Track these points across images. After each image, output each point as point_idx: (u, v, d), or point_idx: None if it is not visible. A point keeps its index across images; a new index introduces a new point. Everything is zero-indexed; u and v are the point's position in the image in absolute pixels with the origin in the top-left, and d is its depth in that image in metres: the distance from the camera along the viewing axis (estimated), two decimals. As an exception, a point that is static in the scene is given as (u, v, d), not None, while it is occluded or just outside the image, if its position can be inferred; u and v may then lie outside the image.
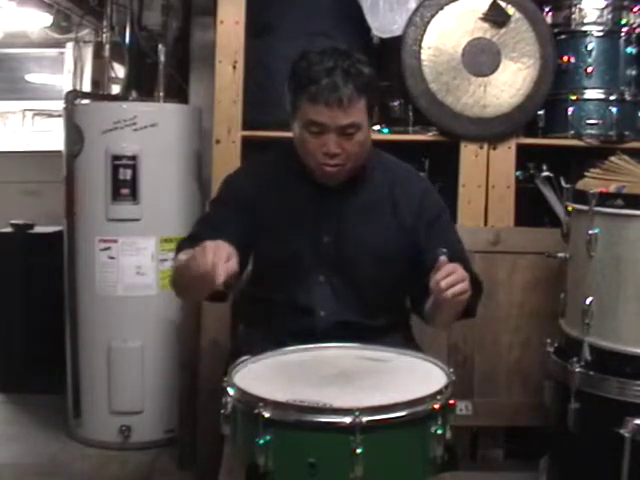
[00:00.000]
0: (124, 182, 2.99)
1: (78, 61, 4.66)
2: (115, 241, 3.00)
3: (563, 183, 2.66)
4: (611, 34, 2.83)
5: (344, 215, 1.93)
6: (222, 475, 1.80)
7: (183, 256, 1.79)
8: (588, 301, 2.22)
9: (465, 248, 2.03)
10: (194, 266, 1.59)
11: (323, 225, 1.93)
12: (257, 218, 1.93)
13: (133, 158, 2.99)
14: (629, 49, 2.84)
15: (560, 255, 2.41)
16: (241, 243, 1.75)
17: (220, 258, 1.55)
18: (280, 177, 1.99)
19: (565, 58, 2.85)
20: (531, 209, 2.98)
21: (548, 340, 2.47)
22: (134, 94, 3.22)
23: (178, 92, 3.49)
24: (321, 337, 1.84)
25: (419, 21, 2.80)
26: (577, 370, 2.23)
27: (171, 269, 1.92)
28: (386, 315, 1.97)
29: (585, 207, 2.23)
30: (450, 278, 1.65)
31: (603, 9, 2.83)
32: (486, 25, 2.81)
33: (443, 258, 1.67)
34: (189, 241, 1.86)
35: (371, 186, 1.96)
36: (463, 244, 2.03)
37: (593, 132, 2.85)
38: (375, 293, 1.94)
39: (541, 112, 2.86)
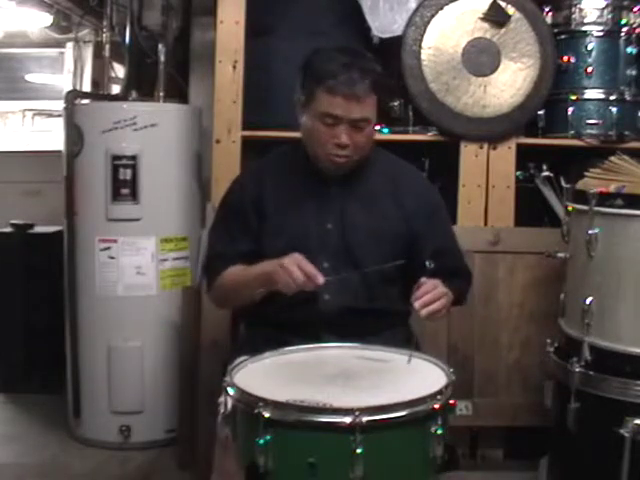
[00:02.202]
0: (124, 182, 2.99)
1: (78, 61, 4.66)
2: (115, 241, 3.00)
3: (563, 183, 2.65)
4: (611, 34, 2.83)
5: (346, 203, 2.00)
6: (215, 476, 1.81)
7: (244, 272, 1.94)
8: (588, 301, 2.22)
9: (458, 242, 2.13)
10: (281, 280, 1.77)
11: (326, 213, 1.99)
12: (264, 213, 2.00)
13: (133, 158, 2.99)
14: (629, 49, 2.84)
15: (560, 255, 2.41)
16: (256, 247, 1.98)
17: (306, 268, 1.75)
18: (283, 171, 2.06)
19: (565, 58, 2.85)
20: (531, 209, 2.98)
21: (548, 340, 2.46)
22: (134, 94, 3.21)
23: (178, 92, 3.49)
24: (325, 322, 1.91)
25: (419, 21, 2.80)
26: (577, 370, 2.23)
27: (219, 287, 2.03)
28: (388, 302, 2.01)
29: (585, 207, 2.22)
30: (426, 297, 1.76)
31: (603, 9, 2.82)
32: (486, 25, 2.81)
33: (423, 279, 1.78)
34: (221, 260, 2.01)
35: (372, 177, 2.04)
36: (457, 239, 2.13)
37: (593, 132, 2.85)
38: (377, 279, 1.98)
39: (541, 112, 2.87)
